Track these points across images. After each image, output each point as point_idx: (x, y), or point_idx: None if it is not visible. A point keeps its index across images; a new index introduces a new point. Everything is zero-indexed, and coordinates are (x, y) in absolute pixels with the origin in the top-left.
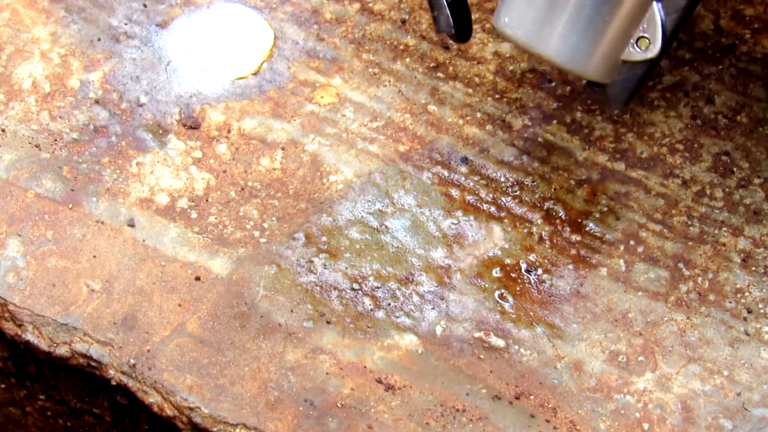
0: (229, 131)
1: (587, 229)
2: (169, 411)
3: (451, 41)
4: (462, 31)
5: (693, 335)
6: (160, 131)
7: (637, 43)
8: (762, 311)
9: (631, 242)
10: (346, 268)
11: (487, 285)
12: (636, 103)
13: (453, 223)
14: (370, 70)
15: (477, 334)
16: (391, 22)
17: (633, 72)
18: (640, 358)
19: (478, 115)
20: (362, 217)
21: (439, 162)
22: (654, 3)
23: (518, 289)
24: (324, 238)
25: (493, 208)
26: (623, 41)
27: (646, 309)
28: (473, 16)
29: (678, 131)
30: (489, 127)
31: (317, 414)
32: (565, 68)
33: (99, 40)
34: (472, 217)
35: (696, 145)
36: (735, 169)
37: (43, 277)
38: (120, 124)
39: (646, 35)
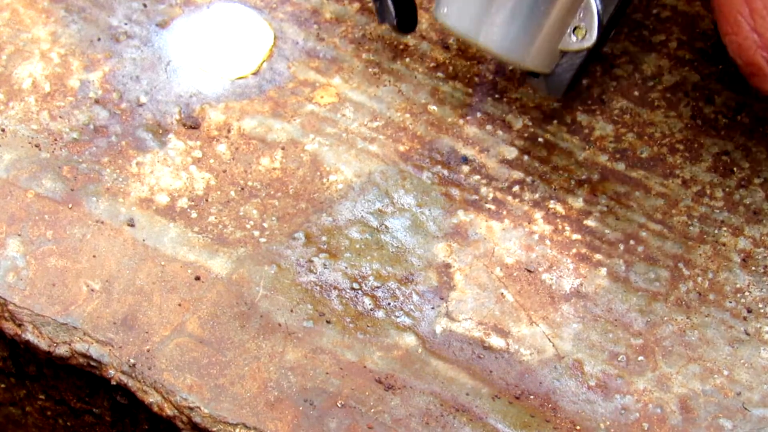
0: (229, 131)
1: (587, 228)
2: (169, 411)
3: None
4: (405, 22)
5: (693, 335)
6: (160, 131)
7: (573, 32)
8: (762, 311)
9: (631, 242)
10: (346, 268)
11: (487, 284)
12: (636, 103)
13: (453, 223)
14: (370, 70)
15: (477, 334)
16: None
17: (571, 62)
18: (640, 358)
19: (478, 115)
20: (362, 216)
21: (439, 162)
22: None
23: (518, 288)
24: (324, 238)
25: (493, 208)
26: (560, 31)
27: (646, 309)
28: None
29: (678, 131)
30: (489, 127)
31: (317, 414)
32: (504, 59)
33: (99, 40)
34: (472, 217)
35: (696, 145)
36: (735, 169)
37: (43, 277)
38: (120, 124)
39: (582, 25)
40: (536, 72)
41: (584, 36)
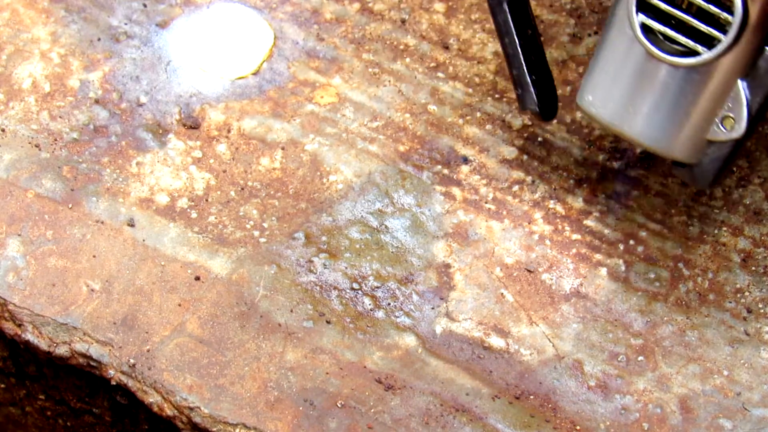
0: (229, 131)
1: (587, 228)
2: (168, 411)
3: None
4: (547, 109)
5: (693, 335)
6: (160, 131)
7: (722, 122)
8: (762, 311)
9: (631, 242)
10: (346, 268)
11: (487, 284)
12: None
13: (453, 223)
14: (370, 70)
15: (477, 334)
16: (391, 22)
17: (719, 152)
18: (640, 358)
19: (478, 115)
20: (362, 216)
21: (439, 162)
22: (739, 82)
23: (518, 288)
24: (324, 238)
25: (493, 208)
26: (708, 121)
27: (646, 309)
28: (477, 15)
29: None
30: (489, 127)
31: (317, 414)
32: (650, 149)
33: (99, 40)
34: (472, 217)
35: None
36: (735, 168)
37: (43, 277)
38: (120, 124)
39: (731, 114)
40: (682, 162)
41: (733, 126)
